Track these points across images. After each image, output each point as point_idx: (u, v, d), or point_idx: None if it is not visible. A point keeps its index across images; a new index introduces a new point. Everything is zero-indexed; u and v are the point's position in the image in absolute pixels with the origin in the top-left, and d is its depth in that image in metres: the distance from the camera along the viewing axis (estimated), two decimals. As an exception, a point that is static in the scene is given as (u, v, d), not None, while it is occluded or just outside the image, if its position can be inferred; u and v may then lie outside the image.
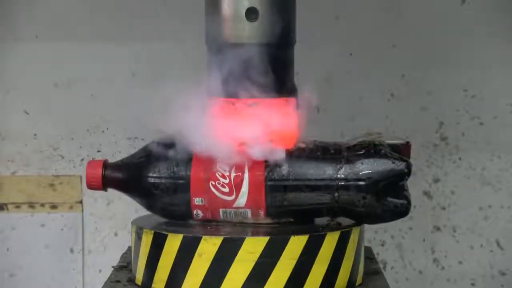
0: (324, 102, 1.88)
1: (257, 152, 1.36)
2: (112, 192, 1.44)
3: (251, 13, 1.36)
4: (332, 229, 1.34)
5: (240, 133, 1.37)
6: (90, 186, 1.43)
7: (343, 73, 1.93)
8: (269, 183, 1.36)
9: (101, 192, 1.46)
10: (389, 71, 1.94)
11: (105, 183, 1.41)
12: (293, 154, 1.37)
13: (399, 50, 1.94)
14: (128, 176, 1.40)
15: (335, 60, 1.93)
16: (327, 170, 1.35)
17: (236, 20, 1.36)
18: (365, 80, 1.93)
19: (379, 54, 1.94)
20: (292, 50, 1.41)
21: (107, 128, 1.96)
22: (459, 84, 1.94)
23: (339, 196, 1.35)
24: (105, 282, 1.42)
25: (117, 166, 1.42)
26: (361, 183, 1.34)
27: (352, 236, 1.36)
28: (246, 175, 1.36)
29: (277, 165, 1.36)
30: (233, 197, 1.36)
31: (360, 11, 1.93)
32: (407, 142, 1.39)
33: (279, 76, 1.38)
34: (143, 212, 1.45)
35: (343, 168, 1.35)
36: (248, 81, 1.36)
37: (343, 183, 1.35)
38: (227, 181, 1.36)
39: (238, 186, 1.36)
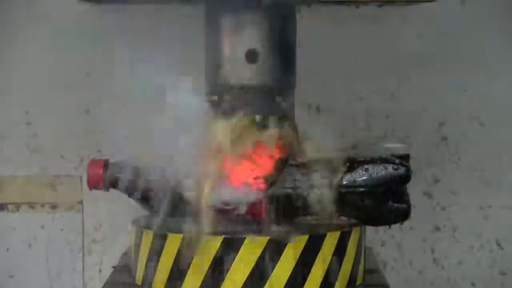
0: (324, 102, 1.88)
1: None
2: (112, 192, 1.44)
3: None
4: (332, 229, 1.34)
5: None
6: (91, 186, 1.43)
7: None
8: (269, 190, 1.37)
9: (101, 192, 1.46)
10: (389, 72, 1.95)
11: (106, 183, 1.41)
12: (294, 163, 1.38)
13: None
14: (129, 177, 1.40)
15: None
16: (327, 177, 1.36)
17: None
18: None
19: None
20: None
21: (107, 128, 1.96)
22: (459, 84, 1.94)
23: (340, 202, 1.35)
24: (105, 282, 1.42)
25: (118, 166, 1.42)
26: (362, 189, 1.34)
27: (352, 236, 1.36)
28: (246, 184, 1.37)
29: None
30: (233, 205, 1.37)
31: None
32: (406, 154, 1.40)
33: None
34: (143, 212, 1.44)
35: (345, 174, 1.35)
36: None
37: (344, 189, 1.35)
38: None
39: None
